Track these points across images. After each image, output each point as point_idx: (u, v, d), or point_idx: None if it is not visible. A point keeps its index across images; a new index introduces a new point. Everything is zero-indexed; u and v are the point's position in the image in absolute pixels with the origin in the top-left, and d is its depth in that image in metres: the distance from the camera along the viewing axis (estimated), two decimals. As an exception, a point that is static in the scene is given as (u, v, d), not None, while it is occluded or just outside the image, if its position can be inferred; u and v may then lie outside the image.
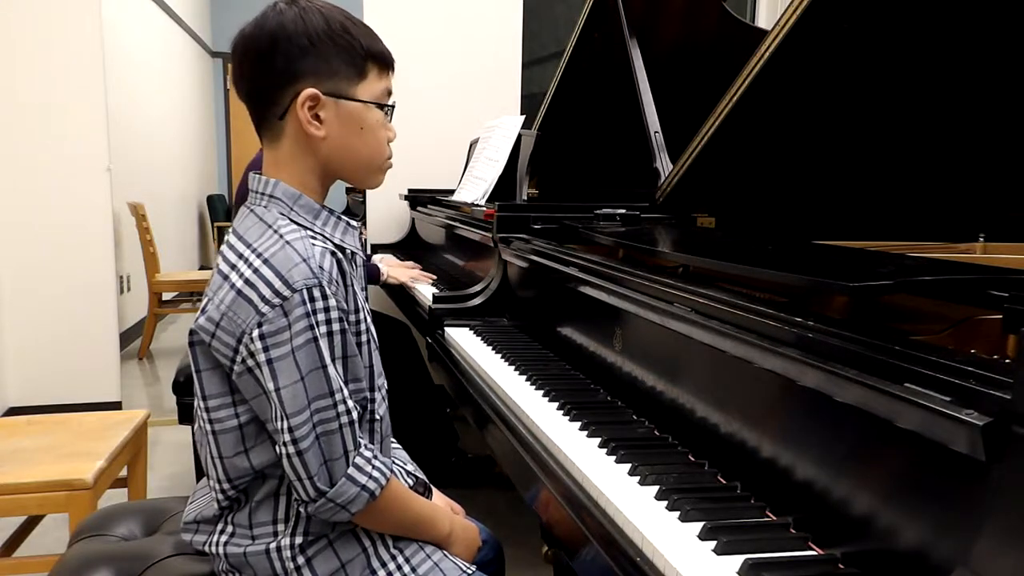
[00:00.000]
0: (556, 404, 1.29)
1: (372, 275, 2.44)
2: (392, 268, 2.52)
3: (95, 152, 3.46)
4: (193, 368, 1.02)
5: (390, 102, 1.09)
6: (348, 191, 5.03)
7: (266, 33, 1.01)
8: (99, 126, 3.46)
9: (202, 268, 7.59)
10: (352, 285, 1.05)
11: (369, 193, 3.37)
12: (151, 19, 6.19)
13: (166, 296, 5.23)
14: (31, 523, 2.05)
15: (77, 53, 3.39)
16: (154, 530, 1.29)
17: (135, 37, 5.64)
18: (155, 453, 2.87)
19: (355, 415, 1.01)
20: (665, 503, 0.90)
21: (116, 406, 3.53)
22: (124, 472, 2.05)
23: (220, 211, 8.35)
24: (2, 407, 3.45)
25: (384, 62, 1.07)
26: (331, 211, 1.07)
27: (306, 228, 1.03)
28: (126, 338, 4.69)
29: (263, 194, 1.05)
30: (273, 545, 1.03)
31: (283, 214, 1.03)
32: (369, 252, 3.07)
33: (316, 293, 0.97)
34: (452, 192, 2.75)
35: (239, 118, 8.78)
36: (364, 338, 1.07)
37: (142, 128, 5.66)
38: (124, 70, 5.21)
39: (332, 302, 0.98)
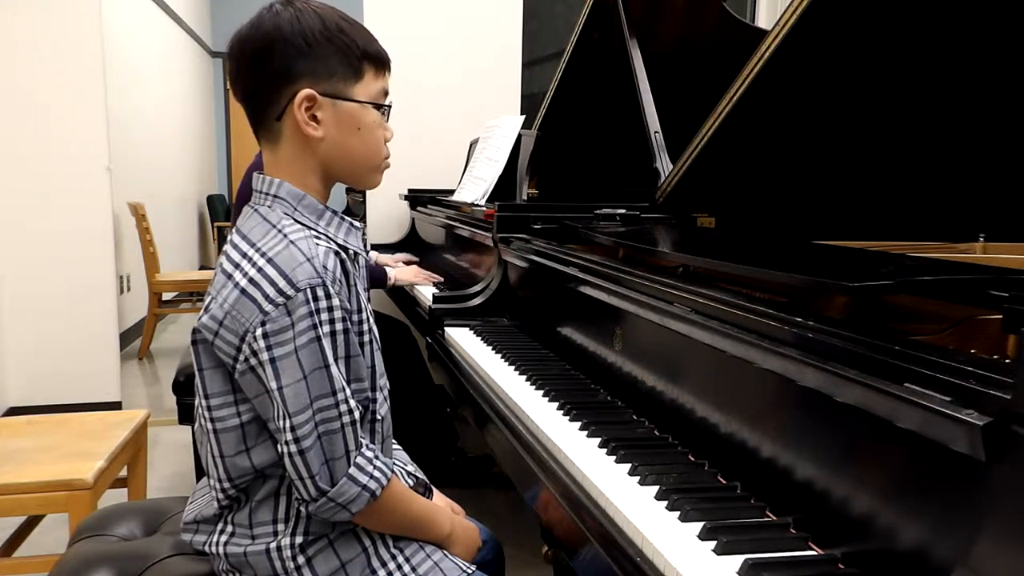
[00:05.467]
0: (556, 404, 1.29)
1: (379, 279, 2.44)
2: (399, 271, 2.52)
3: (95, 152, 3.46)
4: (195, 366, 1.02)
5: (387, 102, 1.09)
6: (348, 191, 5.04)
7: (262, 34, 1.01)
8: (99, 126, 3.46)
9: (202, 268, 7.59)
10: (355, 285, 1.06)
11: (369, 193, 3.37)
12: (151, 19, 6.19)
13: (166, 296, 5.23)
14: (31, 523, 2.05)
15: (77, 53, 3.39)
16: (154, 530, 1.29)
17: (135, 37, 5.64)
18: (155, 453, 2.87)
19: (357, 415, 1.01)
20: (665, 503, 0.91)
21: (116, 406, 3.53)
22: (124, 472, 2.06)
23: (220, 211, 8.35)
24: (2, 407, 3.45)
25: (380, 62, 1.07)
26: (335, 212, 1.08)
27: (310, 228, 1.03)
28: (126, 338, 4.69)
29: (267, 194, 1.05)
30: (273, 545, 1.03)
31: (287, 214, 1.03)
32: (369, 250, 3.05)
33: (320, 292, 0.97)
34: (452, 192, 2.75)
35: (239, 118, 8.77)
36: (367, 338, 1.07)
37: (142, 128, 5.66)
38: (124, 70, 5.21)
39: (335, 302, 0.99)
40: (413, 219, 3.28)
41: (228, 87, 9.31)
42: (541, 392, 1.36)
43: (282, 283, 0.95)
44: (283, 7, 1.02)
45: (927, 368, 0.67)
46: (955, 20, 1.29)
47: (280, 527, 1.04)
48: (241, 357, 0.97)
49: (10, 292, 3.43)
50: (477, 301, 1.98)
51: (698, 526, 0.84)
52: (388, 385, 1.13)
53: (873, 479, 0.75)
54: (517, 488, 1.26)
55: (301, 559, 1.03)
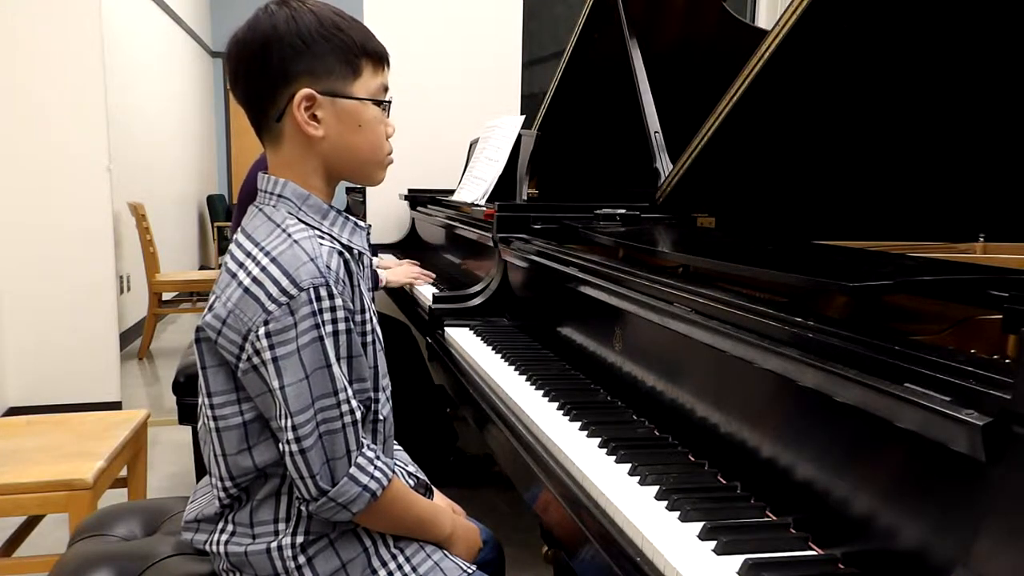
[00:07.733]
0: (556, 404, 1.29)
1: (372, 281, 2.44)
2: (391, 272, 2.52)
3: (95, 152, 3.46)
4: (199, 365, 1.02)
5: (387, 97, 1.09)
6: (348, 191, 5.04)
7: (259, 36, 1.01)
8: (99, 126, 3.46)
9: (202, 268, 7.59)
10: (359, 285, 1.06)
11: (369, 193, 3.37)
12: (151, 19, 6.19)
13: (166, 296, 5.23)
14: (31, 523, 2.05)
15: (77, 53, 3.39)
16: (154, 530, 1.29)
17: (135, 37, 5.64)
18: (155, 453, 2.87)
19: (359, 415, 1.01)
20: (665, 503, 0.91)
21: (116, 406, 3.53)
22: (124, 472, 2.06)
23: (220, 211, 8.34)
24: (2, 407, 3.45)
25: (378, 58, 1.07)
26: (339, 211, 1.08)
27: (314, 228, 1.03)
28: (126, 338, 4.69)
29: (272, 194, 1.05)
30: (274, 544, 1.03)
31: (291, 214, 1.04)
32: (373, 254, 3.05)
33: (323, 292, 0.97)
34: (452, 192, 2.75)
35: (239, 118, 8.77)
36: (370, 338, 1.07)
37: (142, 128, 5.66)
38: (124, 70, 5.21)
39: (339, 302, 0.99)
40: (413, 219, 3.28)
41: (228, 87, 9.35)
42: (541, 392, 1.36)
43: (285, 282, 0.96)
44: (278, 7, 1.02)
45: (927, 368, 0.67)
46: (955, 20, 1.29)
47: (281, 526, 1.04)
48: (244, 356, 0.97)
49: (10, 292, 3.43)
50: (477, 301, 1.98)
51: (698, 526, 0.84)
52: (390, 385, 1.13)
53: (873, 479, 0.75)
54: (517, 488, 1.26)
55: (302, 559, 1.03)
